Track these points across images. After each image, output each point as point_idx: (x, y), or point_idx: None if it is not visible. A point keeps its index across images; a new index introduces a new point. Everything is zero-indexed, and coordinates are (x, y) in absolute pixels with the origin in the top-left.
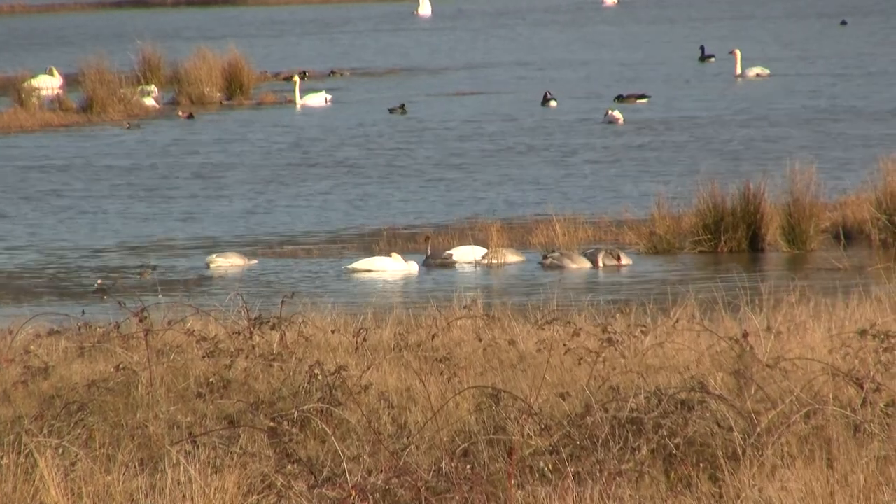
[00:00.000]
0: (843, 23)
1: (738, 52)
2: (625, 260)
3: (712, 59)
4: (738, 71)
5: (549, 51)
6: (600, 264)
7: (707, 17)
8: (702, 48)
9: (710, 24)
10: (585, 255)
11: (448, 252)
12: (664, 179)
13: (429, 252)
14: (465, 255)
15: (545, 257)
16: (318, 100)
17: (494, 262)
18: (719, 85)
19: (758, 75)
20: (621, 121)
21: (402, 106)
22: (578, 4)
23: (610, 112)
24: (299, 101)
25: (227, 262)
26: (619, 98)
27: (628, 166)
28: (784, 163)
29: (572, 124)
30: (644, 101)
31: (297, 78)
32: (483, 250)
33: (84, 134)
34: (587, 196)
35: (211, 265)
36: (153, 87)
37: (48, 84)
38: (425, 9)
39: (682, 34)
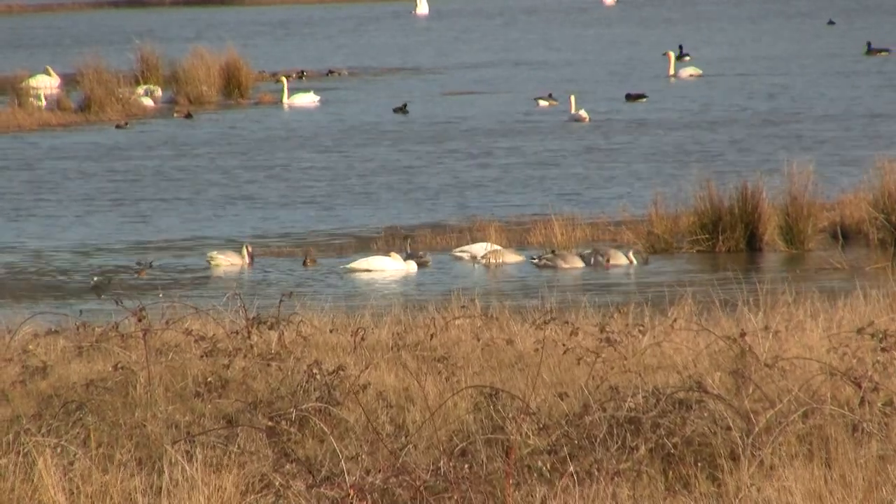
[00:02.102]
0: (831, 23)
1: (671, 54)
2: (622, 259)
3: (687, 58)
4: (672, 72)
5: (540, 51)
6: (603, 263)
7: (700, 16)
8: (680, 47)
9: (700, 24)
10: (583, 256)
11: (460, 249)
12: (626, 179)
13: (408, 251)
14: (478, 251)
15: (539, 257)
16: (306, 100)
17: (493, 261)
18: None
19: (690, 76)
20: (587, 119)
21: (405, 106)
22: (578, 4)
23: (576, 111)
24: (286, 101)
25: (226, 260)
26: (628, 97)
27: (602, 165)
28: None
29: (552, 125)
30: (644, 100)
31: (283, 79)
32: (496, 247)
33: (78, 133)
34: (548, 199)
35: (211, 262)
36: (156, 87)
37: (46, 84)
38: (423, 8)
39: (670, 33)
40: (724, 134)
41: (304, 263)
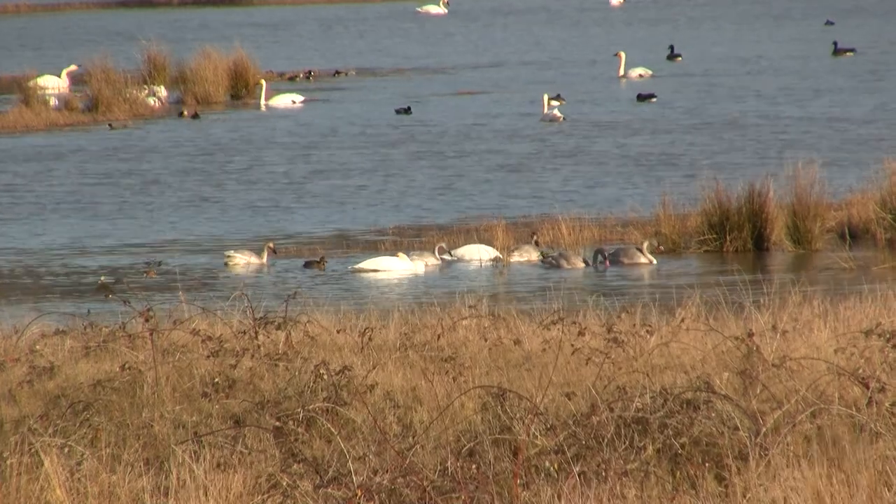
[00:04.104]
0: (829, 23)
1: (622, 55)
2: (642, 259)
3: (679, 59)
4: (622, 72)
5: (540, 52)
6: (644, 260)
7: (701, 17)
8: (671, 47)
9: (696, 25)
10: (585, 258)
11: (457, 250)
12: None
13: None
14: (473, 253)
15: (546, 256)
16: (285, 101)
17: (503, 262)
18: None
19: (640, 76)
20: (561, 119)
21: (408, 108)
22: (585, 5)
23: (550, 111)
24: (263, 103)
25: (243, 259)
26: (639, 97)
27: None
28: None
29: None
30: (654, 100)
31: (262, 81)
32: (491, 250)
33: (84, 133)
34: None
35: (229, 262)
36: (161, 88)
37: (54, 84)
38: (435, 7)
39: (667, 34)
40: (675, 137)
41: (313, 265)
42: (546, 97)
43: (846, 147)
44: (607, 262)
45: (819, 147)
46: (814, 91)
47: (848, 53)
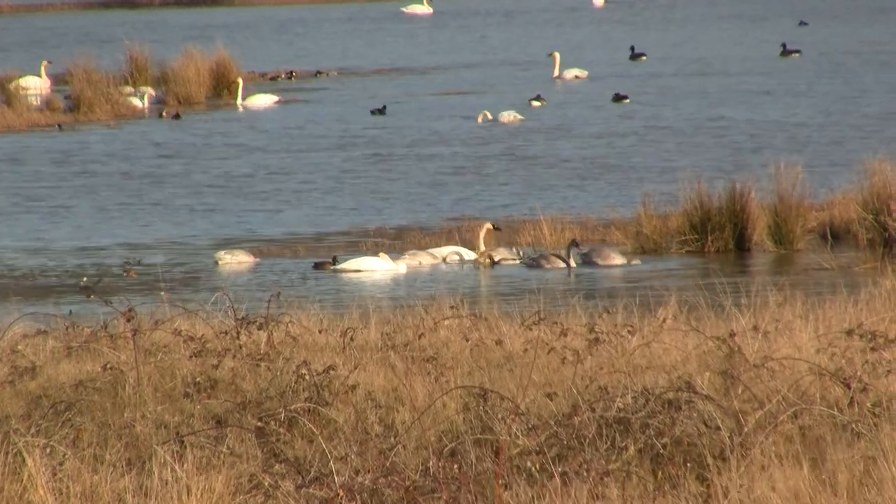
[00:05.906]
0: (803, 23)
1: (556, 55)
2: (618, 259)
3: (643, 58)
4: (557, 73)
5: (526, 52)
6: (577, 257)
7: (681, 17)
8: (632, 48)
9: (673, 25)
10: (560, 255)
11: (432, 251)
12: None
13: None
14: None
15: (528, 257)
16: (262, 101)
17: (481, 262)
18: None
19: (576, 77)
20: (520, 120)
21: (383, 108)
22: (568, 6)
23: (502, 113)
24: (240, 103)
25: (234, 259)
26: (616, 97)
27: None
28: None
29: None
30: (627, 101)
31: (240, 80)
32: (468, 252)
33: (65, 134)
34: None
35: (219, 262)
36: (148, 89)
37: (36, 84)
38: (421, 7)
39: (638, 34)
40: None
41: (323, 266)
42: (486, 112)
43: (806, 149)
44: (579, 248)
45: (776, 148)
46: (760, 93)
47: (794, 55)
